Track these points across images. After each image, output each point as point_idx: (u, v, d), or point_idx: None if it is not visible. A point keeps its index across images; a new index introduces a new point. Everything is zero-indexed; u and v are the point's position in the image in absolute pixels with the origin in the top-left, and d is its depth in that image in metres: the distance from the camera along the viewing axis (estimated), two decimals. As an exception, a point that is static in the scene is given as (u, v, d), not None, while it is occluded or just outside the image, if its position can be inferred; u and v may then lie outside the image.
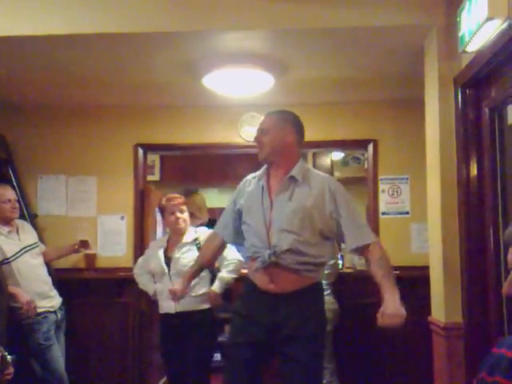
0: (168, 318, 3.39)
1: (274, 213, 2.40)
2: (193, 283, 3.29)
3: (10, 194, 3.53)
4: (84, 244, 3.92)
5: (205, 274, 3.37)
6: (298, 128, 2.49)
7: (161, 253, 3.47)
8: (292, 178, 2.41)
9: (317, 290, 2.50)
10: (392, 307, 2.17)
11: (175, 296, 2.97)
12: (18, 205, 3.58)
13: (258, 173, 2.54)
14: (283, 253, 2.36)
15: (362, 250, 2.40)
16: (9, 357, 2.26)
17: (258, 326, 2.40)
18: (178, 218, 3.42)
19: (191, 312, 3.34)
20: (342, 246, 2.61)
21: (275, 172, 2.46)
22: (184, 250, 3.42)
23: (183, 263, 3.35)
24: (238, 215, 2.56)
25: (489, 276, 2.56)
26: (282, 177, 2.43)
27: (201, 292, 3.37)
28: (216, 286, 3.39)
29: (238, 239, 2.63)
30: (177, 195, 3.56)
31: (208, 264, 2.92)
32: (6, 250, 3.36)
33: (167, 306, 3.36)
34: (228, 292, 3.62)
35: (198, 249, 3.39)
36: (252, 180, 2.55)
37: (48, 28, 2.91)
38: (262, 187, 2.46)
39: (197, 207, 3.69)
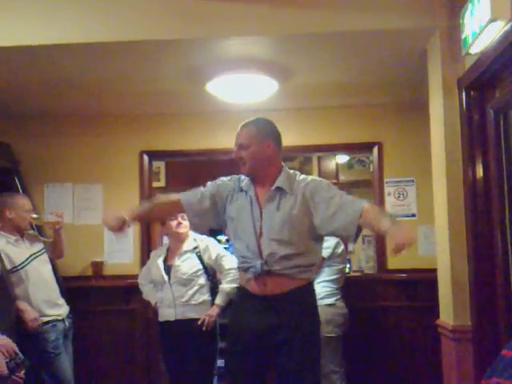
0: (168, 325, 3.41)
1: (264, 223, 2.40)
2: (192, 291, 3.36)
3: (30, 204, 3.56)
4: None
5: (205, 282, 3.42)
6: (276, 137, 2.49)
7: (160, 261, 3.51)
8: (278, 188, 2.42)
9: (309, 291, 2.50)
10: (397, 233, 2.01)
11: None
12: None
13: (243, 185, 2.51)
14: (275, 261, 2.36)
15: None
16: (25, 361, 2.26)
17: (249, 332, 2.41)
18: (180, 223, 3.47)
19: (191, 320, 3.35)
20: (350, 247, 2.53)
21: (261, 182, 2.47)
22: (184, 257, 3.45)
23: (183, 271, 3.39)
24: (213, 207, 2.51)
25: (497, 278, 2.54)
26: (268, 186, 2.44)
27: (201, 300, 3.40)
28: (219, 300, 3.43)
29: (200, 222, 2.58)
30: None
31: (151, 216, 2.76)
32: (15, 258, 3.36)
33: (167, 313, 3.40)
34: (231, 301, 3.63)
35: (199, 257, 3.44)
36: (239, 193, 2.51)
37: (53, 37, 2.93)
38: (251, 198, 2.46)
39: None
